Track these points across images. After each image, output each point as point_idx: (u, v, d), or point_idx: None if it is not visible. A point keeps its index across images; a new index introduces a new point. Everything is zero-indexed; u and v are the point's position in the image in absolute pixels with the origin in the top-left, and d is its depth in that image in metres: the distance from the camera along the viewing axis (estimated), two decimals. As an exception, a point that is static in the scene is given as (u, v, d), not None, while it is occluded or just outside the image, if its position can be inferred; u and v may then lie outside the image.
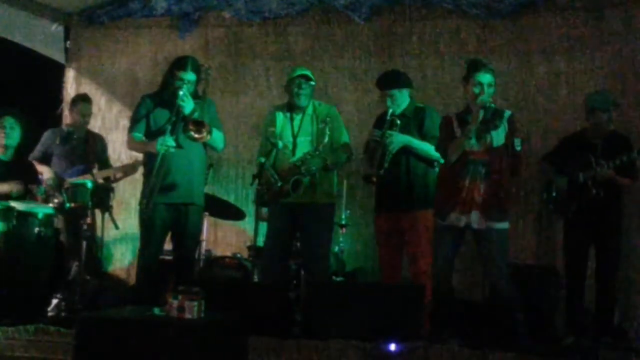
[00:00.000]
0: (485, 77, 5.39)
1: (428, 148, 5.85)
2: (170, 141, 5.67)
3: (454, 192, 5.39)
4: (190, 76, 5.83)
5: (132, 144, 6.08)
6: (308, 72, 6.14)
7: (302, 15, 7.92)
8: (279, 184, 5.88)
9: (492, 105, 5.39)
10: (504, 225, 5.35)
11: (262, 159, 5.98)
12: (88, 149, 7.05)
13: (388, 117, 5.91)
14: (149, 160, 5.87)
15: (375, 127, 6.09)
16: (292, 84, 6.12)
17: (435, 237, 5.59)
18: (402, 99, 6.02)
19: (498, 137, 5.34)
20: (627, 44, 6.97)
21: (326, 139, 5.90)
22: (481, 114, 5.33)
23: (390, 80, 6.09)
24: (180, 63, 5.90)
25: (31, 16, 8.14)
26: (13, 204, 6.03)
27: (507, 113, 5.45)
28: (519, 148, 5.33)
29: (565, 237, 6.19)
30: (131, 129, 5.99)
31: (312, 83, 6.15)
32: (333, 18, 7.88)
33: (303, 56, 7.86)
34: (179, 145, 5.71)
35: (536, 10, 7.29)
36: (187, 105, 5.73)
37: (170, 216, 5.84)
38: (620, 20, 7.02)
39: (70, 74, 8.55)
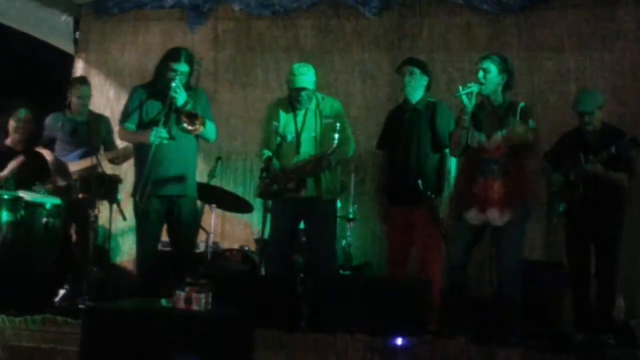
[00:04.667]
0: (485, 64, 5.37)
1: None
2: (163, 133, 5.67)
3: (469, 190, 5.39)
4: (183, 67, 5.81)
5: (123, 135, 6.06)
6: (307, 83, 5.98)
7: (312, 9, 7.90)
8: (282, 183, 5.88)
9: (501, 100, 5.39)
10: (521, 223, 5.34)
11: (269, 153, 5.97)
12: (92, 133, 6.97)
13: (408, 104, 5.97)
14: (139, 150, 5.88)
15: (390, 121, 6.18)
16: (291, 92, 6.03)
17: (450, 233, 5.59)
18: (420, 83, 6.02)
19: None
20: (638, 41, 6.95)
21: (334, 144, 5.77)
22: (470, 104, 5.29)
23: (415, 60, 6.11)
24: (173, 54, 5.89)
25: (41, 7, 8.13)
26: (21, 194, 6.04)
27: (521, 105, 5.37)
28: (532, 126, 5.25)
29: (565, 236, 6.09)
30: (123, 120, 5.97)
31: (311, 90, 6.04)
32: (343, 12, 7.86)
33: (312, 50, 7.85)
34: (171, 137, 5.71)
35: (547, 6, 7.27)
36: (180, 96, 5.70)
37: (163, 208, 5.84)
38: (631, 17, 7.00)
39: (79, 65, 8.55)
